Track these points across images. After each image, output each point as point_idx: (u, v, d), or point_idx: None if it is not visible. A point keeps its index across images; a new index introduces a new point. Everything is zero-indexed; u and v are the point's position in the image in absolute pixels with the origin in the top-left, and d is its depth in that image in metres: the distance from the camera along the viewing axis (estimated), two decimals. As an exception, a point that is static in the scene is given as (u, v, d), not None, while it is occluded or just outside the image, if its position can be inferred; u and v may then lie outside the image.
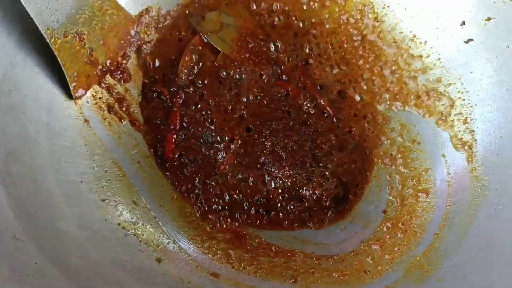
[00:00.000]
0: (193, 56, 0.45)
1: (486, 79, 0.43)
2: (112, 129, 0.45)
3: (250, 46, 0.46)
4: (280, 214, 0.44)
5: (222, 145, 0.45)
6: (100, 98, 0.45)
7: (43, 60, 0.42)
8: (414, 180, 0.44)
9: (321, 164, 0.45)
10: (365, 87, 0.47)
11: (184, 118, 0.46)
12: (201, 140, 0.45)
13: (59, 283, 0.33)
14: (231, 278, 0.40)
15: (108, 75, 0.45)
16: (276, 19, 0.47)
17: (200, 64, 0.46)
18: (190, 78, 0.45)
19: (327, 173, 0.45)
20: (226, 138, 0.45)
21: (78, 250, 0.37)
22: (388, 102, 0.47)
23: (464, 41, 0.45)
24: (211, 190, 0.44)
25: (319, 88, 0.48)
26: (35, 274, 0.32)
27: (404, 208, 0.44)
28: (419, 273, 0.38)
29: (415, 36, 0.48)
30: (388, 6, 0.48)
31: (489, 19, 0.43)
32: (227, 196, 0.44)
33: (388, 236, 0.43)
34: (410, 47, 0.48)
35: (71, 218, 0.39)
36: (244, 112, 0.46)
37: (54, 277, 0.33)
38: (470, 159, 0.43)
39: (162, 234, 0.42)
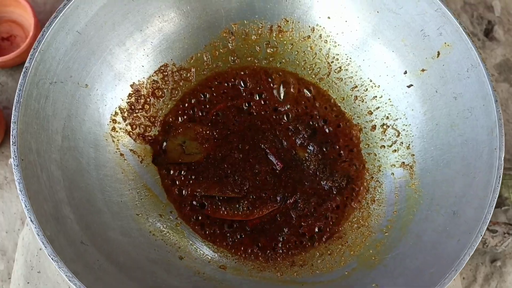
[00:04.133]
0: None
1: (423, 115, 0.57)
2: (141, 160, 0.59)
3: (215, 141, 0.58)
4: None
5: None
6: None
7: (90, 111, 0.56)
8: (371, 194, 0.59)
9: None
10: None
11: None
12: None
13: (114, 274, 0.47)
14: (236, 269, 0.54)
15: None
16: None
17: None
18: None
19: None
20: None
21: (123, 251, 0.51)
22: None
23: (407, 86, 0.59)
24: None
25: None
26: (99, 268, 0.46)
27: (364, 213, 0.58)
28: (371, 262, 0.52)
29: (371, 81, 0.62)
30: (350, 58, 0.63)
31: (423, 70, 0.57)
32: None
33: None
34: (367, 89, 0.62)
35: (116, 229, 0.52)
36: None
37: (111, 270, 0.47)
38: (411, 176, 0.57)
39: (183, 238, 0.56)
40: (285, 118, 0.62)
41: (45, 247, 0.43)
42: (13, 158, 0.45)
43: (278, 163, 0.59)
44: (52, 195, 0.47)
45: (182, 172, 0.59)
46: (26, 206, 0.44)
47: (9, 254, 0.61)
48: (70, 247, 0.45)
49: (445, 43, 0.54)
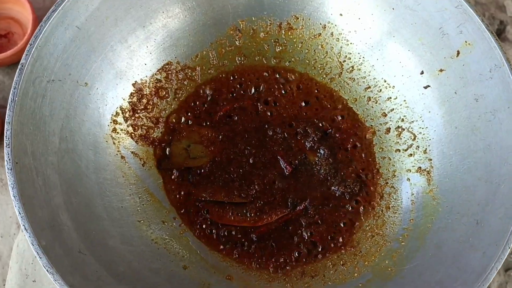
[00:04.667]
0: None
1: (441, 118, 0.54)
2: (143, 163, 0.56)
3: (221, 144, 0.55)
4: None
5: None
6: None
7: (89, 111, 0.53)
8: (385, 200, 0.56)
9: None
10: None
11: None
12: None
13: (113, 286, 0.44)
14: (243, 279, 0.51)
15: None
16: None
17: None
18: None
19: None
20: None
21: (123, 261, 0.48)
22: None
23: (424, 87, 0.56)
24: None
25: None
26: (97, 280, 0.43)
27: (378, 221, 0.55)
28: (387, 274, 0.49)
29: (385, 81, 0.59)
30: (363, 57, 0.60)
31: (441, 70, 0.54)
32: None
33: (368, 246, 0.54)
34: (381, 90, 0.59)
35: (116, 236, 0.49)
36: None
37: (110, 281, 0.44)
38: (429, 182, 0.54)
39: (187, 247, 0.53)
40: (294, 120, 0.59)
41: (40, 257, 0.40)
42: (6, 161, 0.42)
43: (287, 166, 0.56)
44: (48, 200, 0.44)
45: (187, 176, 0.56)
46: (20, 213, 0.41)
47: (4, 259, 0.58)
48: (67, 257, 0.42)
49: (465, 41, 0.51)
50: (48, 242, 0.42)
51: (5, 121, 0.44)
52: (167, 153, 0.56)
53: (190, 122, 0.58)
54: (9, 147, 0.42)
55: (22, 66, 0.45)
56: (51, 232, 0.43)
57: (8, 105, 0.44)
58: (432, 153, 0.54)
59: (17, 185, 0.41)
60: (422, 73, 0.56)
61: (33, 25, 0.63)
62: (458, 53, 0.52)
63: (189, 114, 0.59)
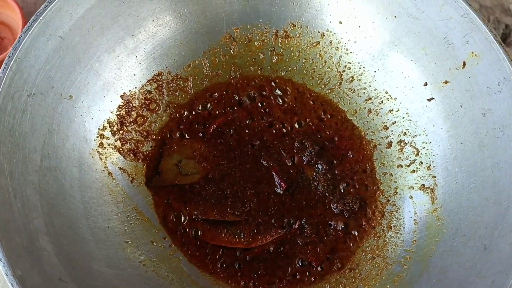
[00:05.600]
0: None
1: (445, 132, 0.51)
2: (132, 180, 0.53)
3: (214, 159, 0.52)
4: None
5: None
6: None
7: (74, 125, 0.50)
8: (386, 219, 0.53)
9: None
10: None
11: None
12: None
13: (97, 316, 0.42)
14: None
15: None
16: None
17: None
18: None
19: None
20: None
21: (109, 286, 0.45)
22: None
23: (427, 99, 0.53)
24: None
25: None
26: (78, 310, 0.41)
27: (379, 241, 0.52)
28: (388, 299, 0.47)
29: (387, 92, 0.56)
30: (363, 67, 0.57)
31: (446, 82, 0.51)
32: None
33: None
34: (382, 101, 0.56)
35: (101, 259, 0.47)
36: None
37: (93, 311, 0.42)
38: (432, 201, 0.51)
39: (177, 269, 0.50)
40: (291, 134, 0.56)
41: (15, 289, 0.37)
42: (-20, 183, 0.39)
43: (282, 183, 0.54)
44: (27, 224, 0.41)
45: (177, 193, 0.53)
46: (-6, 240, 0.38)
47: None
48: (46, 285, 0.39)
49: (472, 52, 0.48)
50: (25, 270, 0.39)
51: (-19, 139, 0.41)
52: (158, 169, 0.53)
53: (181, 136, 0.55)
54: (-17, 168, 0.40)
55: (-1, 80, 0.42)
56: (29, 259, 0.40)
57: (-17, 122, 0.41)
58: (436, 169, 0.51)
59: (-8, 210, 0.39)
60: (425, 84, 0.53)
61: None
62: (464, 64, 0.49)
63: (181, 127, 0.56)
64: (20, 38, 0.44)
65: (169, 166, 0.53)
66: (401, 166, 0.54)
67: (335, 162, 0.55)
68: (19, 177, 0.43)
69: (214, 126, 0.56)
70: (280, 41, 0.58)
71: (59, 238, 0.44)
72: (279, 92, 0.58)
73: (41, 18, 0.45)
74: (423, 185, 0.52)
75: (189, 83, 0.57)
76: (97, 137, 0.52)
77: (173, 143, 0.54)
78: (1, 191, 0.41)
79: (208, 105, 0.57)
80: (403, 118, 0.55)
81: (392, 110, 0.55)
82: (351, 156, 0.56)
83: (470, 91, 0.49)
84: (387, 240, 0.51)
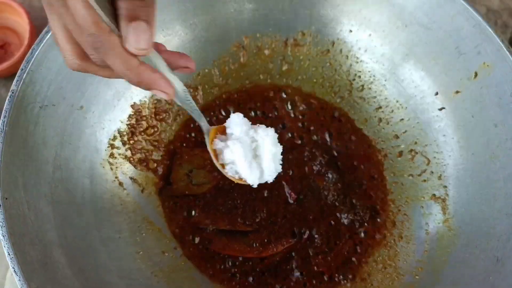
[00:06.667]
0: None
1: (456, 143, 0.51)
2: (142, 189, 0.53)
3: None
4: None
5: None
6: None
7: (85, 136, 0.50)
8: (398, 229, 0.53)
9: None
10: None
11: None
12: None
13: (110, 328, 0.42)
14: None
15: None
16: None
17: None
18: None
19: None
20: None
21: (121, 298, 0.45)
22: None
23: (438, 109, 0.53)
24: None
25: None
26: (92, 322, 0.41)
27: (390, 251, 0.52)
28: (400, 311, 0.47)
29: (397, 101, 0.56)
30: (374, 75, 0.57)
31: (457, 92, 0.51)
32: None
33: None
34: (393, 110, 0.56)
35: (113, 271, 0.47)
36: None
37: (107, 323, 0.42)
38: (444, 211, 0.51)
39: (188, 279, 0.50)
40: (300, 142, 0.56)
41: (31, 303, 0.37)
42: (-5, 197, 0.39)
43: (292, 194, 0.54)
44: (40, 236, 0.42)
45: (188, 203, 0.53)
46: (9, 254, 0.38)
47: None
48: (60, 298, 0.39)
49: (484, 63, 0.48)
50: (40, 283, 0.39)
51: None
52: (169, 179, 0.53)
53: (192, 145, 0.55)
54: (-2, 181, 0.40)
55: (13, 93, 0.42)
56: (43, 272, 0.40)
57: (-3, 135, 0.41)
58: (447, 179, 0.51)
59: (7, 223, 0.39)
60: (436, 94, 0.53)
61: (31, 35, 0.60)
62: (476, 74, 0.49)
63: (191, 136, 0.56)
64: (33, 50, 0.44)
65: (180, 176, 0.53)
66: (412, 175, 0.54)
67: (345, 171, 0.55)
68: (32, 190, 0.43)
69: (225, 135, 0.55)
70: (290, 49, 0.58)
71: (72, 250, 0.44)
72: (289, 101, 0.58)
73: (53, 29, 0.45)
74: (434, 195, 0.52)
75: (199, 91, 0.57)
76: (108, 147, 0.52)
77: (183, 152, 0.54)
78: (15, 204, 0.41)
79: (218, 114, 0.57)
80: (413, 127, 0.55)
81: (403, 119, 0.55)
82: (362, 165, 0.56)
83: (482, 101, 0.49)
84: (399, 250, 0.51)
